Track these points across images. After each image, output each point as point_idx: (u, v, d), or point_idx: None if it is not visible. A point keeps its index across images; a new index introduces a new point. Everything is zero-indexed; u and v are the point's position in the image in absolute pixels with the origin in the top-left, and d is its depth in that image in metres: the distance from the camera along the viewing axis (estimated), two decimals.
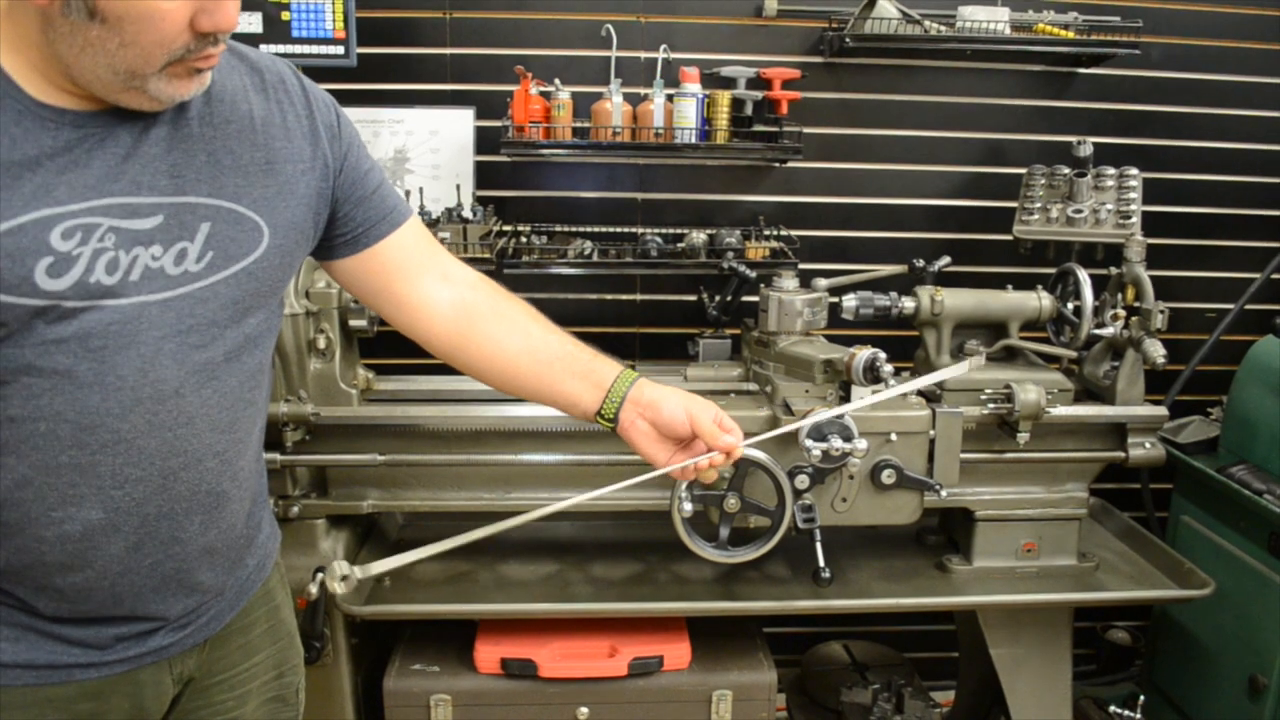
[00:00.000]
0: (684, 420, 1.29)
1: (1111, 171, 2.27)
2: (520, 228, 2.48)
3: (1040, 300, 2.10)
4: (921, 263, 2.21)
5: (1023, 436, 1.95)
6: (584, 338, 2.58)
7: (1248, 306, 2.58)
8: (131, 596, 1.09)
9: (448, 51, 2.44)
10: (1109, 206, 2.24)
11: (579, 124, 2.33)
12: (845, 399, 1.89)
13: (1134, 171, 2.27)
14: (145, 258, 1.01)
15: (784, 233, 2.47)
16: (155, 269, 1.02)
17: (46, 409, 0.98)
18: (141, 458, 1.04)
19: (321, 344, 1.93)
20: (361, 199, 1.24)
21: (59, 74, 0.94)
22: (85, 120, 0.97)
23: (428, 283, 1.30)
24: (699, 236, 2.40)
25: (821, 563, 1.87)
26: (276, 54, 2.24)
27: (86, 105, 0.97)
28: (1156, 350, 1.95)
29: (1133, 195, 2.25)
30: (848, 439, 1.79)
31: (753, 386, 2.07)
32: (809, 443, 1.78)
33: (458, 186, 2.41)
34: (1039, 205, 2.32)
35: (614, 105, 2.29)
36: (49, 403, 0.98)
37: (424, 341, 1.32)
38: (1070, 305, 2.10)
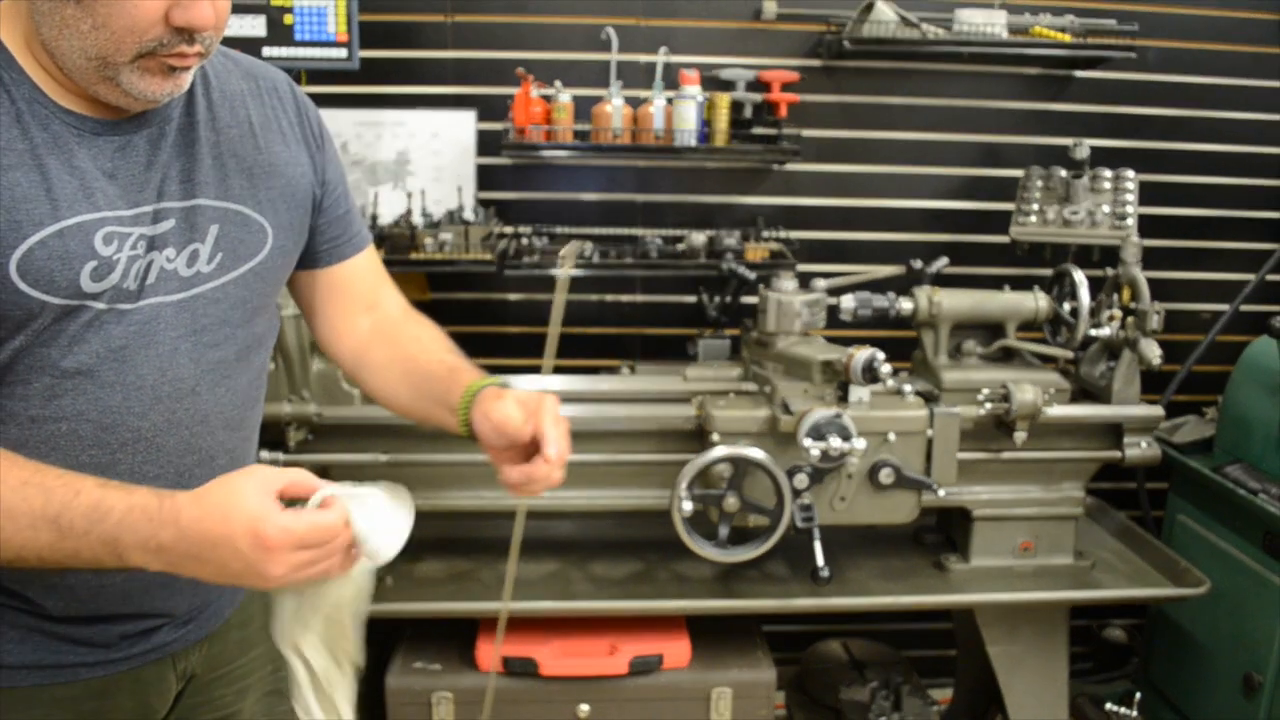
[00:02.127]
0: (513, 420, 1.09)
1: (1108, 173, 2.28)
2: (521, 229, 2.48)
3: (1037, 301, 2.11)
4: (919, 264, 2.22)
5: (1020, 436, 1.96)
6: (584, 338, 2.62)
7: (1243, 307, 2.59)
8: (139, 592, 1.10)
9: (449, 54, 2.45)
10: (1105, 208, 2.26)
11: (579, 126, 2.35)
12: (844, 399, 1.90)
13: (1130, 173, 2.29)
14: (160, 260, 1.03)
15: (783, 234, 2.48)
16: (170, 271, 1.04)
17: (69, 409, 0.99)
18: (160, 456, 1.05)
19: None
20: (337, 217, 1.25)
21: (61, 74, 0.96)
22: (103, 128, 0.99)
23: (357, 312, 1.29)
24: (699, 238, 2.41)
25: (820, 561, 1.89)
26: (279, 57, 2.25)
27: (100, 113, 0.99)
28: (1152, 350, 1.97)
29: (1129, 197, 2.26)
30: (846, 438, 1.80)
31: (752, 386, 2.08)
32: (807, 442, 1.80)
33: (459, 189, 2.43)
34: (1036, 207, 2.33)
35: (614, 108, 2.30)
36: (71, 403, 0.99)
37: (335, 364, 1.34)
38: (1067, 306, 2.12)
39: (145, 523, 0.88)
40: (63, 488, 0.90)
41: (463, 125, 2.46)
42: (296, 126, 1.18)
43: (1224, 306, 2.62)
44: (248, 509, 0.88)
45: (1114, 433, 2.09)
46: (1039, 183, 2.36)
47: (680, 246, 2.40)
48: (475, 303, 2.59)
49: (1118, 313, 2.08)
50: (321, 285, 1.27)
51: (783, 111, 2.39)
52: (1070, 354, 2.14)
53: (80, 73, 0.95)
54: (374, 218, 2.33)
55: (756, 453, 1.83)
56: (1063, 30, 2.38)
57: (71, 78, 0.96)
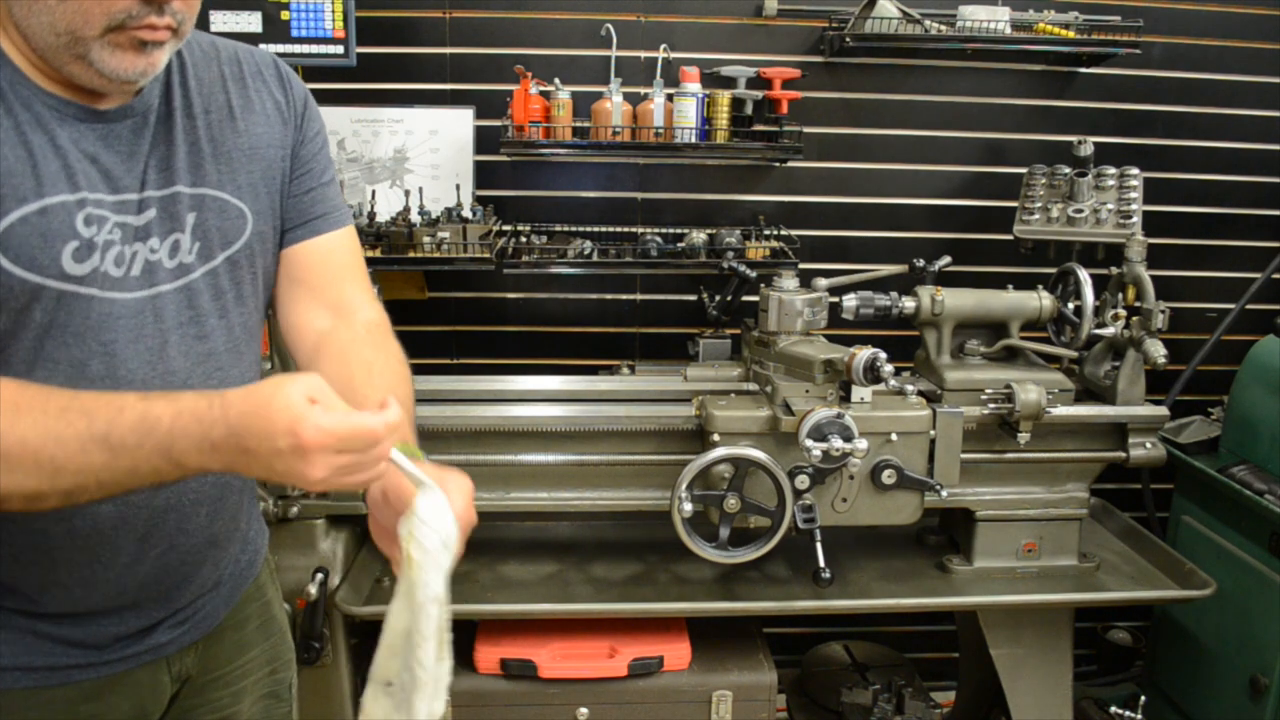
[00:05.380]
0: (406, 493, 1.01)
1: (1112, 171, 2.27)
2: (520, 227, 2.47)
3: (1041, 300, 2.10)
4: (922, 262, 2.21)
5: (1023, 437, 1.95)
6: (584, 338, 2.60)
7: (1248, 306, 2.58)
8: (135, 589, 1.10)
9: (447, 51, 2.44)
10: (1110, 206, 2.24)
11: (579, 123, 2.33)
12: (846, 399, 1.88)
13: (1135, 171, 2.27)
14: (144, 252, 1.03)
15: (784, 232, 2.46)
16: (154, 262, 1.04)
17: None
18: None
19: None
20: (299, 195, 1.19)
21: (41, 59, 0.95)
22: (85, 114, 0.99)
23: (317, 307, 1.21)
24: (699, 236, 2.40)
25: (822, 563, 1.87)
26: (276, 53, 2.24)
27: (83, 99, 0.98)
28: (1157, 350, 1.95)
29: (1133, 195, 2.24)
30: (848, 439, 1.79)
31: (753, 386, 2.06)
32: (809, 443, 1.78)
33: (457, 186, 2.41)
34: (1039, 205, 2.31)
35: (614, 105, 2.28)
36: None
37: (293, 359, 1.25)
38: (1071, 305, 2.10)
39: (196, 425, 0.88)
40: (105, 407, 0.88)
41: (461, 122, 2.44)
42: (283, 105, 1.17)
43: (1229, 305, 2.61)
44: (289, 408, 0.86)
45: (1118, 433, 2.07)
46: (1043, 180, 2.34)
47: (680, 245, 2.39)
48: (473, 301, 2.58)
49: (1122, 312, 2.07)
50: (282, 270, 1.21)
51: (784, 109, 2.38)
52: (1074, 353, 2.12)
53: (52, 51, 0.94)
54: (371, 216, 2.32)
55: (757, 453, 1.82)
56: (1066, 27, 2.37)
57: (45, 58, 0.95)
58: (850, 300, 2.07)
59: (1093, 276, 2.06)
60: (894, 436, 1.87)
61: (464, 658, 1.96)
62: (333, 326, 1.20)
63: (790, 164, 2.51)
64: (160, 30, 0.95)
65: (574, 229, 2.49)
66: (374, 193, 2.41)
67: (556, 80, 2.33)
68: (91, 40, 0.92)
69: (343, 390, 1.09)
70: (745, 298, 2.26)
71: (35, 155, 0.94)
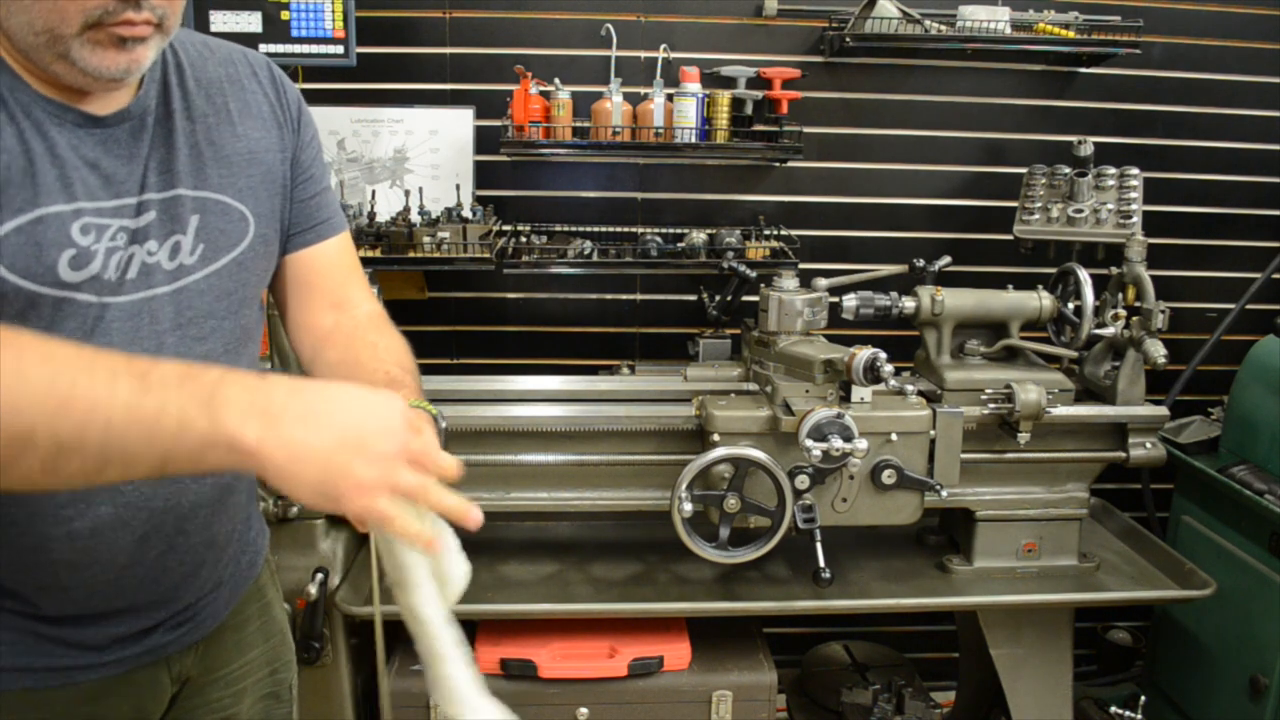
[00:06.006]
0: None
1: (1112, 171, 2.27)
2: (520, 227, 2.47)
3: (1041, 300, 2.10)
4: (922, 262, 2.21)
5: (1023, 437, 1.95)
6: (584, 337, 2.60)
7: (1248, 306, 2.58)
8: (134, 591, 1.10)
9: (447, 51, 2.44)
10: (1110, 206, 2.24)
11: (579, 123, 2.33)
12: (846, 399, 1.88)
13: (1135, 171, 2.27)
14: (142, 254, 1.02)
15: (784, 232, 2.46)
16: (152, 264, 1.03)
17: None
18: None
19: None
20: (302, 201, 1.22)
21: (33, 63, 0.95)
22: (84, 119, 0.98)
23: (323, 308, 1.25)
24: (699, 236, 2.40)
25: (822, 563, 1.87)
26: (276, 54, 2.24)
27: (80, 102, 0.98)
28: (1157, 350, 1.95)
29: (1133, 195, 2.24)
30: (848, 439, 1.79)
31: (753, 386, 2.06)
32: (809, 443, 1.78)
33: (457, 186, 2.41)
34: (1039, 205, 2.31)
35: (614, 105, 2.28)
36: None
37: (296, 358, 1.29)
38: (1071, 305, 2.10)
39: (257, 380, 0.83)
40: (148, 358, 0.85)
41: (461, 122, 2.44)
42: (277, 109, 1.17)
43: (1229, 305, 2.61)
44: (406, 409, 0.88)
45: (1118, 433, 2.07)
46: (1043, 180, 2.34)
47: (680, 245, 2.39)
48: (473, 301, 2.58)
49: (1122, 312, 2.07)
50: (289, 274, 1.24)
51: (784, 108, 2.38)
52: (1074, 353, 2.12)
53: (34, 51, 0.93)
54: (371, 216, 2.32)
55: (757, 453, 1.82)
56: (1066, 26, 2.37)
57: (29, 59, 0.94)
58: (850, 300, 2.06)
59: (1093, 276, 2.06)
60: (894, 436, 1.87)
61: None
62: (336, 320, 1.24)
63: (790, 164, 2.51)
64: (139, 25, 0.93)
65: (574, 229, 2.49)
66: (374, 193, 2.41)
67: (556, 80, 2.33)
68: (70, 38, 0.91)
69: (351, 369, 1.17)
70: (745, 298, 2.26)
71: (35, 164, 0.94)
